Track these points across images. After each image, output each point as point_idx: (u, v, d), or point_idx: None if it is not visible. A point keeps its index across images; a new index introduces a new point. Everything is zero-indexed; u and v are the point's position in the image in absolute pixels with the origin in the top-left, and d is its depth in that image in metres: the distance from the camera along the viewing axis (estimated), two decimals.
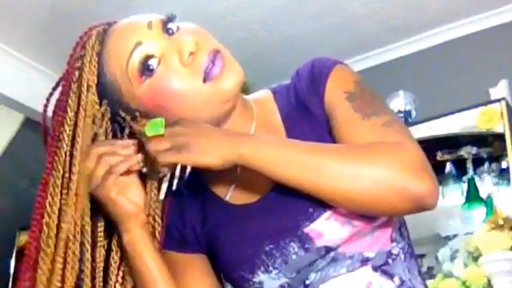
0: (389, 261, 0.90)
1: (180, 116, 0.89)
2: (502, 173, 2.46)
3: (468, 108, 2.46)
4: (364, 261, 0.89)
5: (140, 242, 0.93)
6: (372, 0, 2.82)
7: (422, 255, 2.65)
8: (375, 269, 0.89)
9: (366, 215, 0.87)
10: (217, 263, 0.97)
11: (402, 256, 0.92)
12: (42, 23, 3.01)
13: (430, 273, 2.52)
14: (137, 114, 0.92)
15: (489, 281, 2.19)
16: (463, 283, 2.22)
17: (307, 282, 0.89)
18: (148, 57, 0.88)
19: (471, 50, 2.93)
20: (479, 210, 2.46)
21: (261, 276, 0.90)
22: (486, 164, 2.52)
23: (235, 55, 0.99)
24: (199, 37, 0.91)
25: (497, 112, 2.40)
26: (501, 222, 2.21)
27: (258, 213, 0.93)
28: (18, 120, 3.41)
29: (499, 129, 2.38)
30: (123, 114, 0.93)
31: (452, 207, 2.55)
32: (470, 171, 2.52)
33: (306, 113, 0.94)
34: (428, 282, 2.39)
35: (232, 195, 0.97)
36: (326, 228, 0.87)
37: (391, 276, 0.89)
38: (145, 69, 0.88)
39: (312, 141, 0.88)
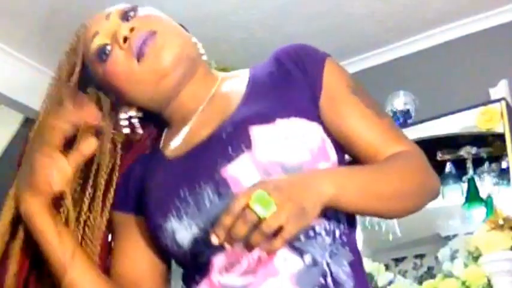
0: (302, 237, 0.84)
1: (131, 98, 0.96)
2: (502, 173, 2.46)
3: (468, 108, 2.46)
4: None
5: (38, 212, 0.94)
6: (372, 0, 2.82)
7: (422, 255, 2.65)
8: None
9: (286, 170, 0.84)
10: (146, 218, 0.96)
11: (327, 239, 0.86)
12: (42, 23, 3.01)
13: (430, 273, 2.53)
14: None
15: (489, 281, 2.19)
16: (463, 283, 2.22)
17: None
18: (102, 45, 0.97)
19: (471, 50, 2.93)
20: (479, 210, 2.46)
21: (172, 223, 0.87)
22: (486, 164, 2.52)
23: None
24: (145, 21, 0.97)
25: (497, 112, 2.40)
26: (501, 222, 2.21)
27: (184, 160, 0.93)
28: (18, 120, 3.41)
29: (499, 129, 2.38)
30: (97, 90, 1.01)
31: (452, 207, 2.55)
32: (470, 171, 2.51)
33: (284, 75, 0.96)
34: (428, 282, 2.39)
35: (173, 150, 0.97)
36: (243, 174, 0.85)
37: (300, 252, 0.84)
38: (101, 55, 0.97)
39: (271, 91, 0.93)
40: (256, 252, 0.81)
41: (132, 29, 0.95)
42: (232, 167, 0.85)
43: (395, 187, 0.86)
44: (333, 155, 0.91)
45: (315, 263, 0.83)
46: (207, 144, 0.92)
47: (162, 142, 1.02)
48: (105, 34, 0.98)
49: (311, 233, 0.85)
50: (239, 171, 0.85)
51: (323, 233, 0.86)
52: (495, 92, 2.59)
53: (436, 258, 2.47)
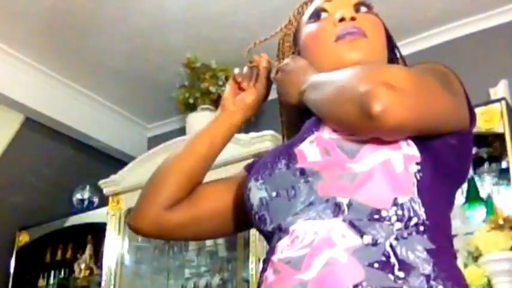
0: (364, 218, 0.82)
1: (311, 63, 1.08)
2: (502, 173, 2.46)
3: None
4: (337, 208, 0.83)
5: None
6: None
7: None
8: (345, 221, 0.82)
9: (342, 148, 0.88)
10: None
11: (397, 224, 0.82)
12: (42, 23, 3.01)
13: None
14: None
15: (489, 281, 2.19)
16: None
17: (283, 225, 0.88)
18: (320, 8, 1.09)
19: (471, 50, 2.93)
20: (479, 210, 2.46)
21: (252, 182, 0.97)
22: (486, 164, 2.52)
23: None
24: (368, 23, 1.09)
25: (497, 112, 2.40)
26: (501, 222, 2.21)
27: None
28: (18, 120, 3.41)
29: (499, 129, 2.38)
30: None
31: None
32: (470, 171, 2.52)
33: None
34: None
35: None
36: (308, 150, 0.92)
37: (360, 232, 0.81)
38: (314, 15, 1.09)
39: None
40: (316, 230, 0.83)
41: (353, 18, 1.04)
42: (302, 144, 0.93)
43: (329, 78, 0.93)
44: (405, 147, 0.87)
45: (374, 243, 0.80)
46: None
47: None
48: (332, 5, 1.08)
49: (376, 216, 0.82)
50: (305, 148, 0.92)
51: (393, 218, 0.82)
52: (495, 92, 2.59)
53: None
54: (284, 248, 0.85)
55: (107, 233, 3.15)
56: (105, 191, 3.23)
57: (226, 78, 3.12)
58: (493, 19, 2.91)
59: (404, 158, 0.85)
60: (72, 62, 3.31)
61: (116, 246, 3.13)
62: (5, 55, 3.21)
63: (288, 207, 0.89)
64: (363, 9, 1.09)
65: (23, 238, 3.46)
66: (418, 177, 0.85)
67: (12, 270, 3.40)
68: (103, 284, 3.08)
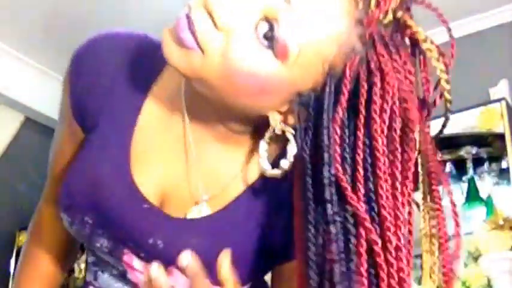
0: None
1: None
2: (502, 173, 2.46)
3: (468, 108, 2.46)
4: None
5: None
6: None
7: (422, 256, 2.65)
8: None
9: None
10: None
11: None
12: (42, 23, 3.02)
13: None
14: None
15: (489, 281, 2.19)
16: (463, 283, 2.22)
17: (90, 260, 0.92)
18: None
19: (471, 50, 2.93)
20: (479, 210, 2.46)
21: (62, 203, 0.86)
22: (486, 164, 2.52)
23: None
24: None
25: (497, 112, 2.40)
26: (501, 222, 2.21)
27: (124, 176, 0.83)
28: (18, 120, 3.41)
29: (499, 129, 2.38)
30: None
31: None
32: (470, 171, 2.52)
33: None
34: None
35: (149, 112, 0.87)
36: (136, 262, 0.84)
37: None
38: None
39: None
40: None
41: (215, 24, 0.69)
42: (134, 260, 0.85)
43: None
44: None
45: None
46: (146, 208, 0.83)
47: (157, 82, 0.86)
48: None
49: None
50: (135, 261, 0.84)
51: None
52: (495, 92, 2.60)
53: None
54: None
55: None
56: None
57: None
58: (493, 19, 2.91)
59: None
60: None
61: None
62: (5, 55, 3.21)
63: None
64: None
65: (23, 238, 3.45)
66: None
67: (12, 270, 3.40)
68: None
